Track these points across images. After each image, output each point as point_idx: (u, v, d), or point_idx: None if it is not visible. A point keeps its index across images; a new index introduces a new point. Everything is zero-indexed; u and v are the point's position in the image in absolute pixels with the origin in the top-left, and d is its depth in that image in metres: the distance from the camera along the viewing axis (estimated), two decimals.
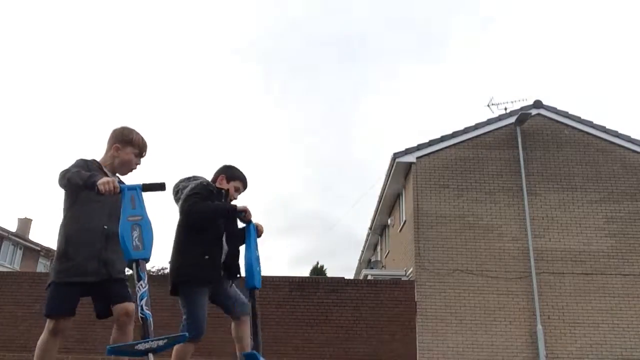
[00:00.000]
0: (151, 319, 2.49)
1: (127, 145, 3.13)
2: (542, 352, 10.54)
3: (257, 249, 3.33)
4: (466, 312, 10.97)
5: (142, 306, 2.49)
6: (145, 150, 3.23)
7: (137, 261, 2.57)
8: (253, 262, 3.26)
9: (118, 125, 3.21)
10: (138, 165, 3.22)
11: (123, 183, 3.08)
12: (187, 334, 2.52)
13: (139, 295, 2.50)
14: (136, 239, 2.59)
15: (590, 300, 11.03)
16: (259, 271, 3.30)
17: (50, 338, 2.82)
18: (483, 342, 10.75)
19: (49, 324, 2.83)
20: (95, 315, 3.00)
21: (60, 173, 2.89)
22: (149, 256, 2.62)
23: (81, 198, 2.93)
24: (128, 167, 3.18)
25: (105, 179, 2.69)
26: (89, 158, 3.11)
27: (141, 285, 2.52)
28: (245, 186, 3.61)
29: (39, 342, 2.83)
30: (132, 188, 2.73)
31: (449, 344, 10.74)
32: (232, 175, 3.55)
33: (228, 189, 3.47)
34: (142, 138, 3.21)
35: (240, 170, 3.62)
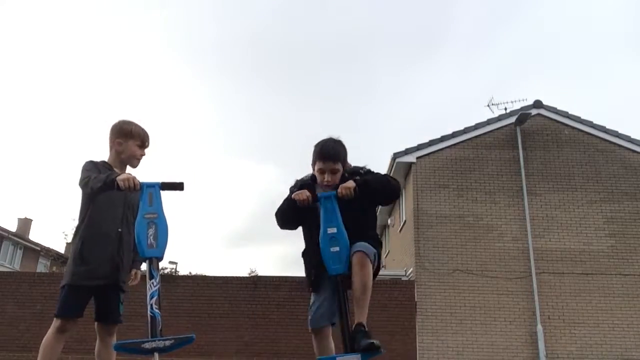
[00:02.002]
0: (160, 318, 2.50)
1: (129, 138, 3.08)
2: (542, 352, 10.54)
3: (333, 225, 2.74)
4: (466, 312, 10.97)
5: (151, 305, 2.49)
6: (147, 140, 3.17)
7: (150, 259, 2.60)
8: (323, 244, 2.74)
9: (115, 121, 3.16)
10: (143, 157, 3.17)
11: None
12: (193, 335, 2.52)
13: (149, 293, 2.51)
14: (151, 237, 2.60)
15: (590, 300, 11.03)
16: (334, 252, 2.71)
17: (56, 336, 2.86)
18: (483, 342, 10.75)
19: (56, 323, 2.86)
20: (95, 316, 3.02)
21: (81, 184, 2.91)
22: (162, 255, 2.64)
23: (97, 202, 2.96)
24: (132, 160, 3.13)
25: (125, 175, 2.70)
26: (97, 160, 3.10)
27: (152, 283, 2.53)
28: (324, 158, 2.88)
29: (44, 340, 2.86)
30: (151, 185, 2.71)
31: (449, 344, 10.73)
32: (313, 159, 2.98)
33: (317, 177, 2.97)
34: (142, 128, 3.15)
35: (319, 143, 2.95)
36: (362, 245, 2.72)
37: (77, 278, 2.87)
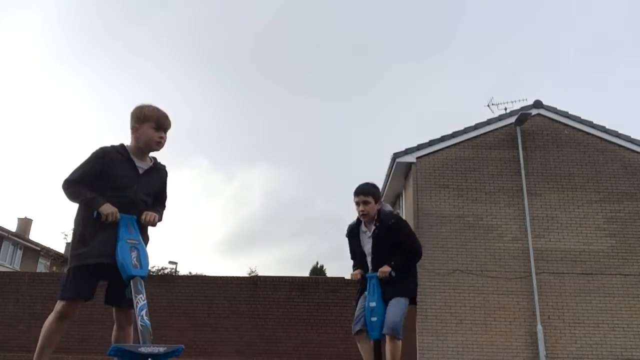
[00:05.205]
0: (150, 328, 2.65)
1: (143, 122, 3.01)
2: (542, 352, 10.54)
3: (374, 300, 3.67)
4: (466, 312, 10.97)
5: (142, 316, 2.66)
6: (163, 121, 3.05)
7: (136, 278, 2.75)
8: (366, 312, 3.71)
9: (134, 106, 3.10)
10: (163, 139, 3.05)
11: (163, 166, 3.21)
12: (182, 346, 2.61)
13: (139, 306, 2.67)
14: (134, 259, 2.80)
15: (590, 300, 11.02)
16: (373, 321, 3.63)
17: (57, 321, 2.84)
18: (483, 342, 10.74)
19: (57, 306, 2.84)
20: (104, 301, 3.00)
21: (65, 183, 2.92)
22: (146, 275, 2.83)
23: (96, 188, 2.91)
24: (151, 145, 3.03)
25: (108, 209, 2.82)
26: (116, 144, 3.06)
27: (141, 298, 2.71)
28: (356, 194, 3.87)
29: (45, 324, 2.85)
30: (129, 218, 2.92)
31: (449, 344, 10.73)
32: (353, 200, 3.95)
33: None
34: (156, 109, 3.05)
35: (357, 186, 3.93)
36: (391, 323, 3.58)
37: (79, 258, 2.84)
